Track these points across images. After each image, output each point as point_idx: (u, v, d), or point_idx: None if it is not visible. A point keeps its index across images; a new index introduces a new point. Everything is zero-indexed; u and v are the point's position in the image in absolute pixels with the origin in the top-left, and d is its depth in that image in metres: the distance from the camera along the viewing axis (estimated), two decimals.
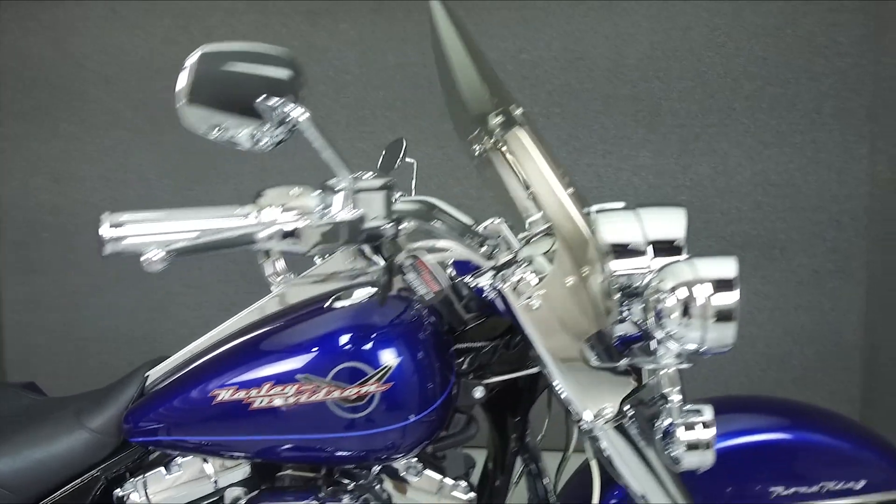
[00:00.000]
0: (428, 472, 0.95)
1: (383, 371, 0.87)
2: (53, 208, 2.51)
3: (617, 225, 0.86)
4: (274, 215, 0.88)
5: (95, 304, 2.53)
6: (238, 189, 2.43)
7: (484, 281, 0.89)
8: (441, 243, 0.93)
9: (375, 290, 0.92)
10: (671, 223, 0.87)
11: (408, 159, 1.32)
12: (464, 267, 0.95)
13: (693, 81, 2.31)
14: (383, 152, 1.35)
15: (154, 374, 0.99)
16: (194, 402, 0.92)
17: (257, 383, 0.89)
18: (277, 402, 0.88)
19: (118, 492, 0.97)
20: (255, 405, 0.89)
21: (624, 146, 2.32)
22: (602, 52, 2.32)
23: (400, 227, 0.92)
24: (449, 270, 0.93)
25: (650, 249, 0.85)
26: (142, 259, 0.81)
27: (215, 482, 0.96)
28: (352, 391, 0.87)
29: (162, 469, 0.97)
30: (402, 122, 2.39)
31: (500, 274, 0.86)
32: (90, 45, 2.46)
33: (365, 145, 2.40)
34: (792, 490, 1.01)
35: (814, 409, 1.14)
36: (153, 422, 0.94)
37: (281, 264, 1.00)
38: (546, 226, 0.89)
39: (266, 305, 0.98)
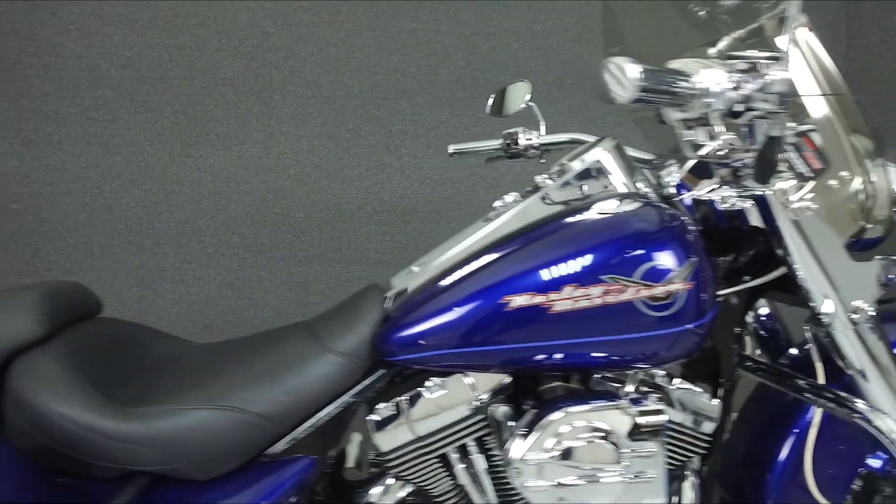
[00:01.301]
0: (677, 380, 0.97)
1: (686, 269, 0.88)
2: (21, 176, 2.24)
3: None
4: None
5: None
6: (242, 155, 2.29)
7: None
8: None
9: (642, 198, 0.95)
10: None
11: (529, 103, 1.33)
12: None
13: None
14: (494, 95, 1.38)
15: (395, 293, 0.98)
16: (476, 313, 0.90)
17: (555, 287, 0.87)
18: (582, 303, 0.87)
19: (373, 416, 0.92)
20: (555, 308, 0.87)
21: (633, 116, 2.42)
22: None
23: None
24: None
25: None
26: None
27: (480, 398, 0.93)
28: (659, 289, 0.87)
29: (422, 389, 0.92)
30: (416, 88, 2.35)
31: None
32: (115, 102, 2.22)
33: (378, 112, 2.34)
34: None
35: None
36: (415, 339, 0.91)
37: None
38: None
39: (508, 222, 1.00)
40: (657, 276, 0.89)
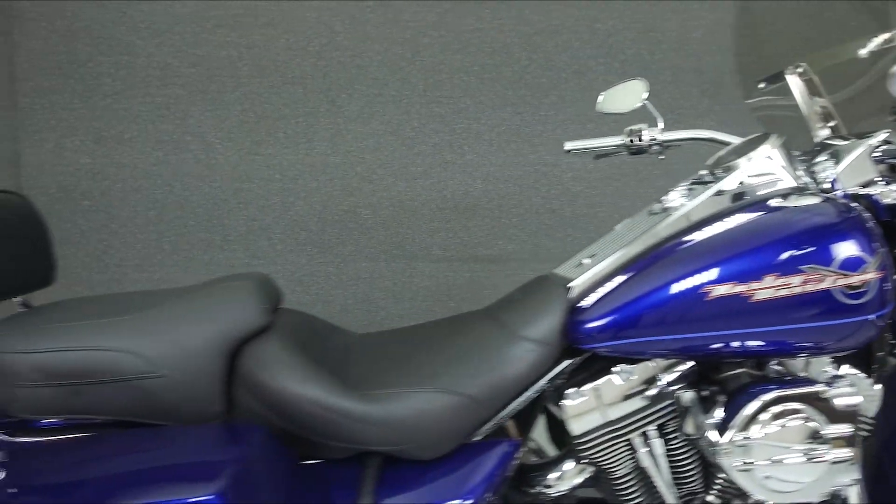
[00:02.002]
0: (844, 366, 1.02)
1: (877, 259, 0.93)
2: (93, 173, 2.26)
3: None
4: None
5: (142, 279, 2.32)
6: (310, 153, 2.32)
7: None
8: None
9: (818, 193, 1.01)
10: None
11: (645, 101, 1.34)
12: None
13: (751, 56, 2.48)
14: (605, 92, 1.39)
15: (579, 283, 1.02)
16: (675, 302, 0.94)
17: (757, 276, 0.92)
18: (782, 292, 0.91)
19: (566, 402, 0.96)
20: (756, 298, 0.91)
21: (690, 115, 2.46)
22: (671, 26, 2.43)
23: None
24: None
25: None
26: None
27: (667, 384, 0.97)
28: (856, 278, 0.92)
29: (612, 376, 0.97)
30: (479, 86, 2.38)
31: None
32: (186, 100, 2.25)
33: (442, 110, 2.37)
34: None
35: None
36: (610, 328, 0.95)
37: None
38: None
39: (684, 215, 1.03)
40: (854, 265, 0.93)
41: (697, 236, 1.00)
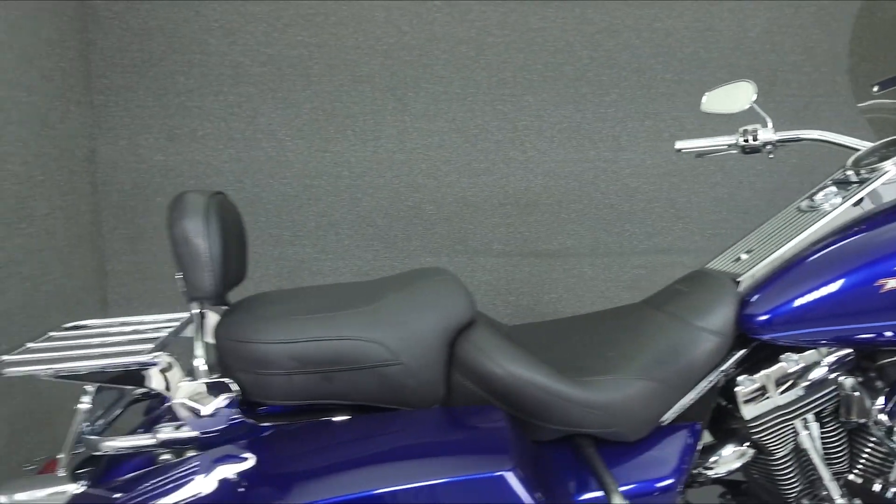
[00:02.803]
0: None
1: None
2: (166, 170, 2.31)
3: None
4: None
5: None
6: (377, 150, 2.37)
7: None
8: None
9: None
10: None
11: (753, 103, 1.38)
12: None
13: (803, 55, 2.53)
14: (710, 93, 1.42)
15: (749, 277, 1.08)
16: (848, 294, 1.00)
17: None
18: None
19: (740, 388, 1.04)
20: None
21: (745, 112, 2.51)
22: (727, 25, 2.48)
23: None
24: None
25: None
26: None
27: (828, 371, 1.05)
28: None
29: (783, 364, 1.05)
30: (542, 84, 2.43)
31: None
32: (258, 98, 2.29)
33: (505, 108, 2.42)
34: None
35: None
36: (785, 318, 1.02)
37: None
38: None
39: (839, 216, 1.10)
40: None
41: (865, 232, 1.06)
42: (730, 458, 1.10)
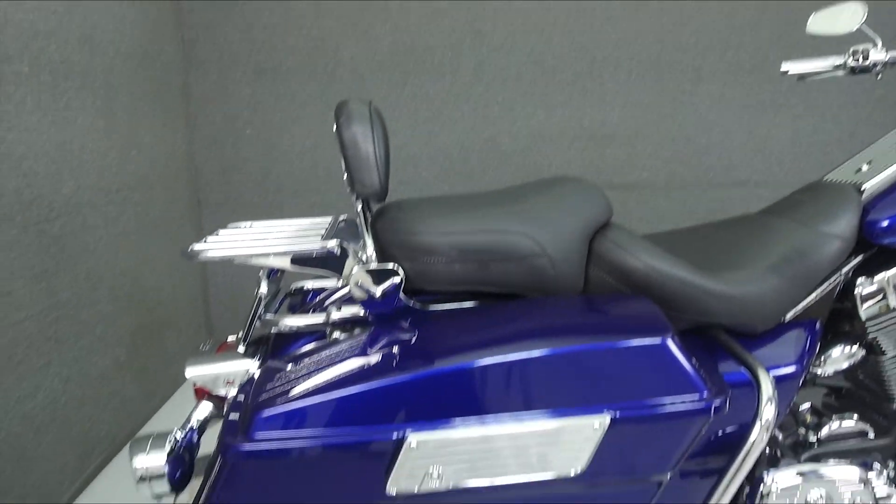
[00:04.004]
0: None
1: None
2: (255, 103, 2.41)
3: None
4: None
5: (300, 203, 2.49)
6: (454, 83, 2.41)
7: None
8: None
9: None
10: None
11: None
12: None
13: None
14: (816, 13, 1.40)
15: (872, 185, 1.14)
16: None
17: None
18: None
19: (860, 289, 1.10)
20: None
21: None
22: None
23: None
24: None
25: None
26: None
27: None
28: None
29: None
30: (622, 14, 2.40)
31: None
32: (339, 33, 2.33)
33: (583, 39, 2.41)
34: None
35: None
36: None
37: None
38: None
39: None
40: None
41: None
42: (840, 358, 1.16)
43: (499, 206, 1.00)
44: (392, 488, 0.82)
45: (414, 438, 0.81)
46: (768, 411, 0.94)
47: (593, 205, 1.03)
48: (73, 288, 1.69)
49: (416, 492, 0.83)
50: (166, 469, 0.85)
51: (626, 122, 2.47)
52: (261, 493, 0.80)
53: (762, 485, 1.03)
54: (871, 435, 1.18)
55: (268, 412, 0.79)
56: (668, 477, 0.90)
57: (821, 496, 1.04)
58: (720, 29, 2.41)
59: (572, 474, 0.86)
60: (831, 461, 1.09)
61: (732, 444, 0.99)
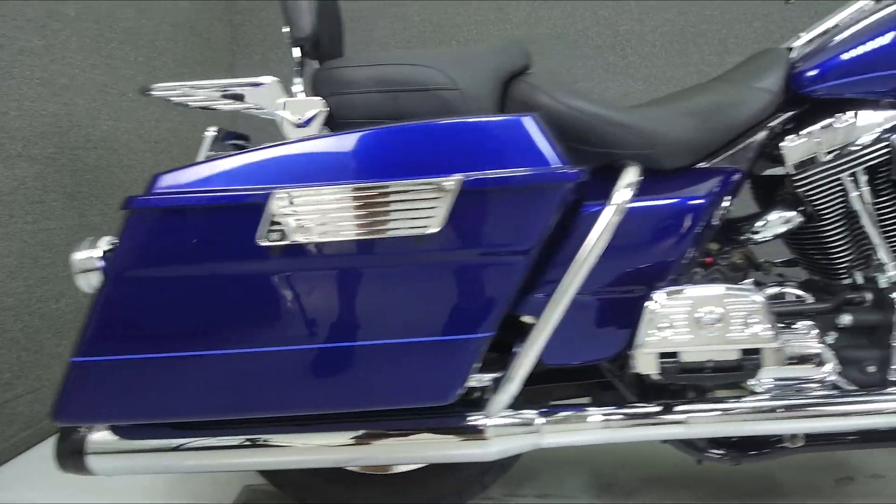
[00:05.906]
0: None
1: None
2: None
3: None
4: None
5: None
6: None
7: None
8: None
9: None
10: None
11: None
12: None
13: None
14: None
15: (799, 42, 1.17)
16: None
17: None
18: None
19: (786, 143, 1.10)
20: None
21: None
22: None
23: None
24: None
25: None
26: None
27: (877, 129, 1.08)
28: None
29: (832, 120, 1.09)
30: None
31: None
32: (373, 13, 2.52)
33: (606, 12, 2.46)
34: None
35: None
36: (838, 68, 1.07)
37: None
38: None
39: None
40: None
41: None
42: (776, 222, 1.14)
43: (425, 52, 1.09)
44: (261, 240, 0.96)
45: (280, 193, 0.95)
46: (623, 193, 1.01)
47: (510, 50, 1.10)
48: (103, 215, 1.87)
49: (285, 243, 0.95)
50: (101, 264, 0.96)
51: (650, 96, 2.47)
52: (157, 249, 0.97)
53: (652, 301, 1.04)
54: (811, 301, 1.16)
55: (165, 175, 1.02)
56: (530, 258, 0.97)
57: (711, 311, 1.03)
58: None
59: (428, 231, 0.95)
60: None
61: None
